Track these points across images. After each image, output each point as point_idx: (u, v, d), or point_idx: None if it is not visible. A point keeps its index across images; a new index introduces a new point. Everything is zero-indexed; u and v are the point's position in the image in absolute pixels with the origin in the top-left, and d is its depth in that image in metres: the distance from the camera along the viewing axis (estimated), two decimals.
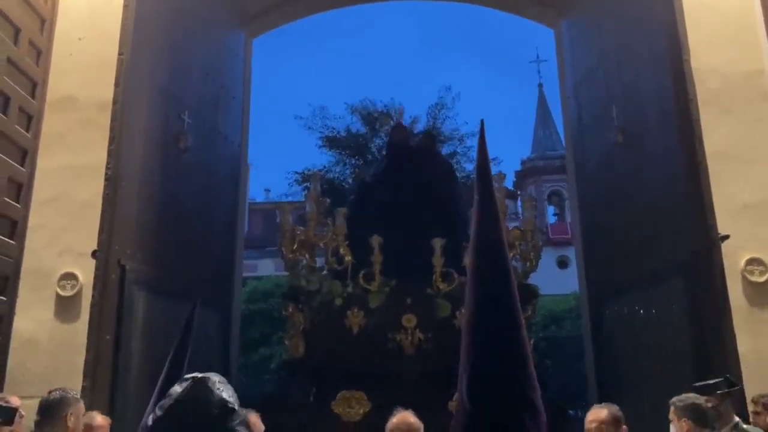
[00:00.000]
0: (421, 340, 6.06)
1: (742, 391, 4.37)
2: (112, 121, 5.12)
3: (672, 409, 3.56)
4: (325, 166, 20.02)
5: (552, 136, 29.34)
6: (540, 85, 31.32)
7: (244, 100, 7.74)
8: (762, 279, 4.97)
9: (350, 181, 18.54)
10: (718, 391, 3.95)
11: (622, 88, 5.80)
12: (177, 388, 1.66)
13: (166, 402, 1.63)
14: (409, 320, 6.13)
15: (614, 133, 5.78)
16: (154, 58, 5.70)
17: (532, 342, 6.72)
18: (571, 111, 7.13)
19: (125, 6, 5.38)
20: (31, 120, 5.51)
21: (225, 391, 1.64)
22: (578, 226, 7.05)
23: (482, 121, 1.89)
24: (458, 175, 17.20)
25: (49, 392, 3.15)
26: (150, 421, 1.61)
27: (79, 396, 3.21)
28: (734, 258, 4.97)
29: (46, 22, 5.68)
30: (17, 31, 5.30)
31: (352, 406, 5.78)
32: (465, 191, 9.93)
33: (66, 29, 5.80)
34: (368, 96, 21.44)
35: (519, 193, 25.76)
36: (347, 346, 6.15)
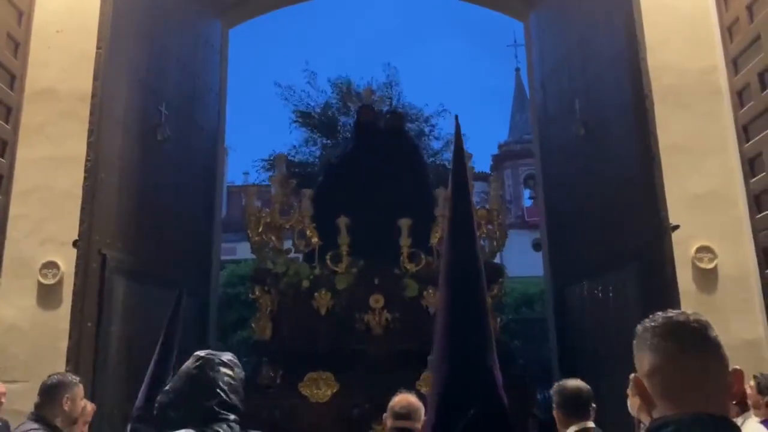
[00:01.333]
0: (389, 320, 6.08)
1: None
2: (91, 114, 5.27)
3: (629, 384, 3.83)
4: (294, 147, 19.56)
5: (528, 120, 29.61)
6: (517, 70, 31.47)
7: (221, 90, 7.89)
8: (710, 266, 5.27)
9: (320, 161, 18.21)
10: None
11: (585, 83, 6.06)
12: (187, 364, 1.92)
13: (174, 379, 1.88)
14: (377, 300, 6.14)
15: (577, 126, 6.05)
16: (132, 51, 5.83)
17: (500, 322, 6.97)
18: (538, 102, 7.40)
19: (102, 0, 5.50)
20: (10, 112, 5.61)
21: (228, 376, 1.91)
22: (543, 212, 7.34)
23: (456, 117, 1.98)
24: (426, 153, 17.20)
25: (49, 376, 3.29)
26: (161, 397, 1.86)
27: (78, 380, 3.36)
28: (685, 246, 5.26)
29: (23, 15, 5.76)
30: None
31: (319, 387, 5.81)
32: (432, 170, 9.81)
33: (44, 22, 5.87)
34: (344, 74, 20.73)
35: (492, 174, 25.98)
36: (315, 327, 6.17)
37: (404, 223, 6.37)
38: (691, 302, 5.14)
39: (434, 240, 6.41)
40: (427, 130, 20.07)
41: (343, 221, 6.39)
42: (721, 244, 5.34)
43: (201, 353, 2.00)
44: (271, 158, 19.08)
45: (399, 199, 6.98)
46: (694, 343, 1.33)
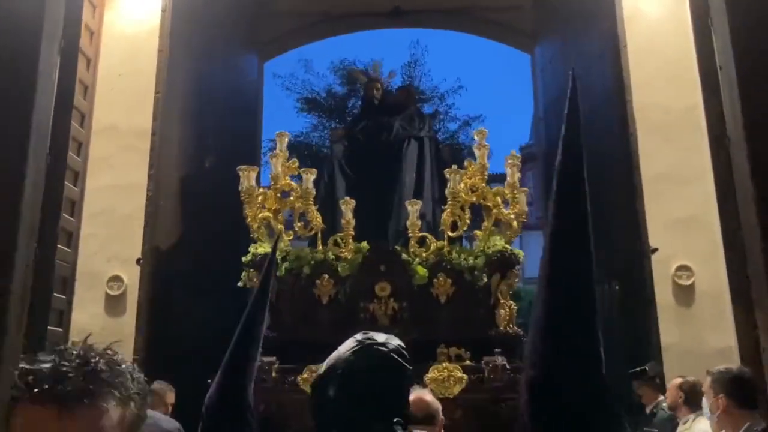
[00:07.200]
0: (396, 310, 5.62)
1: (662, 375, 5.46)
2: (151, 150, 6.17)
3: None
4: (302, 132, 18.17)
5: None
6: None
7: (257, 114, 8.77)
8: (688, 282, 5.96)
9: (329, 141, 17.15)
10: (646, 377, 5.09)
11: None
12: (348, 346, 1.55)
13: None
14: (383, 288, 5.68)
15: None
16: (184, 92, 6.73)
17: (516, 310, 6.08)
18: (541, 129, 8.13)
19: (160, 50, 6.39)
20: (81, 146, 6.53)
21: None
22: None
23: (573, 71, 1.68)
24: (441, 136, 16.89)
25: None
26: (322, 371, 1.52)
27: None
28: (666, 265, 5.97)
29: (91, 62, 6.66)
30: None
31: None
32: (446, 151, 9.06)
33: (108, 67, 6.74)
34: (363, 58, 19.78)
35: (510, 154, 25.74)
36: (316, 316, 5.77)
37: (413, 205, 5.85)
38: (670, 315, 5.88)
39: (445, 224, 5.90)
40: (443, 110, 18.64)
41: (347, 203, 5.92)
42: (698, 263, 5.99)
43: (372, 336, 1.58)
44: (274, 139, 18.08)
45: (408, 180, 6.57)
46: None
